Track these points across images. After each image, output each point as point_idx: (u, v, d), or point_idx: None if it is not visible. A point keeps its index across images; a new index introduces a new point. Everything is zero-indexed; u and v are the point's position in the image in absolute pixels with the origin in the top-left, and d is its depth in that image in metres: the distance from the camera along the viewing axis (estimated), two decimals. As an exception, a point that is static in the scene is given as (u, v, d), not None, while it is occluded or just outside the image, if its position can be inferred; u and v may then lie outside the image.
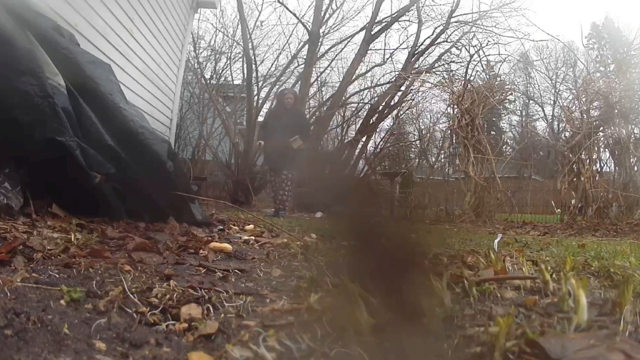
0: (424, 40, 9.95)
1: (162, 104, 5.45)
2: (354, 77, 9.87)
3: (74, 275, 1.01)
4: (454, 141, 7.32)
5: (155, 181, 2.14)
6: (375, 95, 10.20)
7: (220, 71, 11.01)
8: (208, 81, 10.45)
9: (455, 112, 6.87)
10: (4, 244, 1.14)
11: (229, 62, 10.98)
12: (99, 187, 1.88)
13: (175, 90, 5.97)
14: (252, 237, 2.12)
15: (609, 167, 6.47)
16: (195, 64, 10.38)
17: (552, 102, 20.19)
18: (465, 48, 9.73)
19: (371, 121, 9.57)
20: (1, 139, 1.73)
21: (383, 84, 10.22)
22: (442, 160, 11.76)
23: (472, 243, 2.30)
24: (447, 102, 7.96)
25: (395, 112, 10.30)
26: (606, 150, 6.28)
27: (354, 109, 10.46)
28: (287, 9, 10.17)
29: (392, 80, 9.85)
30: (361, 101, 10.39)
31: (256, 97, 9.43)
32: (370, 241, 0.67)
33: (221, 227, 2.61)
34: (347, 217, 0.69)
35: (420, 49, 9.89)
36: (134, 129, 2.11)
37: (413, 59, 9.83)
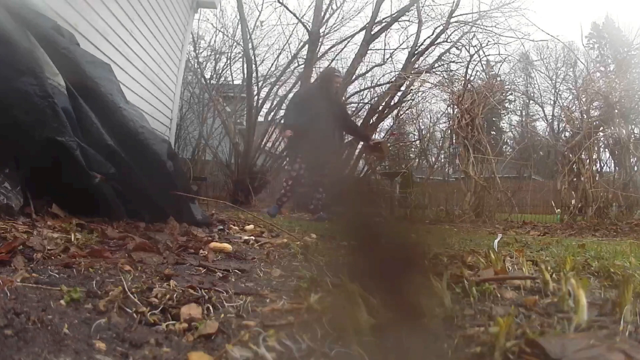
0: (424, 40, 9.94)
1: (162, 104, 5.45)
2: (354, 77, 9.86)
3: (74, 275, 1.01)
4: (454, 141, 7.32)
5: (155, 181, 2.14)
6: (375, 95, 10.20)
7: (220, 71, 11.02)
8: (208, 81, 10.45)
9: (455, 112, 6.87)
10: (4, 244, 1.14)
11: (229, 62, 10.98)
12: (99, 187, 1.88)
13: (175, 90, 5.97)
14: (252, 237, 2.12)
15: (609, 167, 6.48)
16: (195, 64, 10.38)
17: (552, 102, 20.19)
18: (465, 48, 9.73)
19: (371, 121, 9.57)
20: (1, 139, 1.73)
21: (383, 84, 10.21)
22: (442, 160, 11.77)
23: (472, 243, 2.30)
24: (447, 102, 7.98)
25: (395, 112, 10.30)
26: (606, 150, 6.29)
27: (354, 109, 10.45)
28: (287, 9, 10.16)
29: (392, 80, 9.85)
30: (361, 101, 10.39)
31: (256, 97, 9.42)
32: (370, 241, 0.67)
33: (221, 227, 2.61)
34: (347, 217, 0.69)
35: (420, 49, 9.88)
36: (134, 129, 2.11)
37: (413, 59, 9.82)
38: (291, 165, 4.77)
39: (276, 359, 0.64)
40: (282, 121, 5.27)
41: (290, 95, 8.90)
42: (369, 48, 9.73)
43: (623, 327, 0.76)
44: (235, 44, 10.67)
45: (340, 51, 10.42)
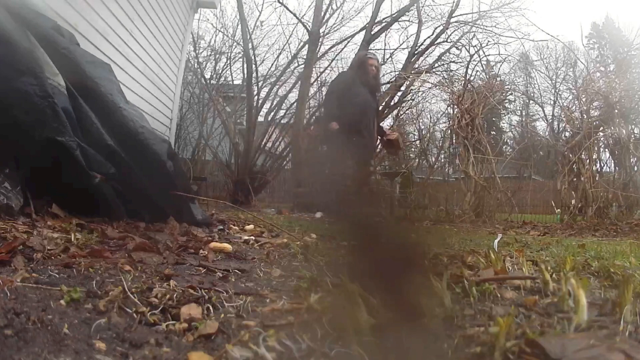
0: (424, 40, 9.95)
1: (162, 104, 5.45)
2: (354, 77, 9.84)
3: (74, 275, 1.01)
4: (454, 141, 7.32)
5: (155, 181, 2.14)
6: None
7: (220, 71, 11.01)
8: (208, 81, 10.45)
9: (455, 112, 6.87)
10: (4, 244, 1.14)
11: (229, 62, 10.98)
12: (99, 187, 1.88)
13: (175, 90, 5.97)
14: (252, 237, 2.12)
15: (609, 167, 6.49)
16: (195, 64, 10.38)
17: (552, 102, 20.18)
18: (465, 48, 9.74)
19: (371, 121, 9.55)
20: (1, 139, 1.73)
21: (383, 84, 10.20)
22: (442, 160, 11.75)
23: (472, 243, 2.30)
24: (447, 102, 7.98)
25: (395, 112, 10.30)
26: (606, 150, 6.29)
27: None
28: (287, 9, 10.16)
29: (392, 80, 9.85)
30: (361, 101, 10.36)
31: (256, 97, 9.42)
32: (370, 241, 0.67)
33: (221, 227, 2.61)
34: (347, 217, 0.70)
35: (420, 49, 9.89)
36: (134, 129, 2.11)
37: (413, 59, 9.82)
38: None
39: (276, 359, 0.64)
40: (324, 112, 4.56)
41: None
42: (369, 48, 9.73)
43: (623, 327, 0.76)
44: (235, 44, 10.67)
45: (340, 51, 10.42)
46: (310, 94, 10.04)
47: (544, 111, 20.46)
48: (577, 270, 1.35)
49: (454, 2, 9.68)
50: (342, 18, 10.35)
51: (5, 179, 1.69)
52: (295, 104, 9.44)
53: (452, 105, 7.15)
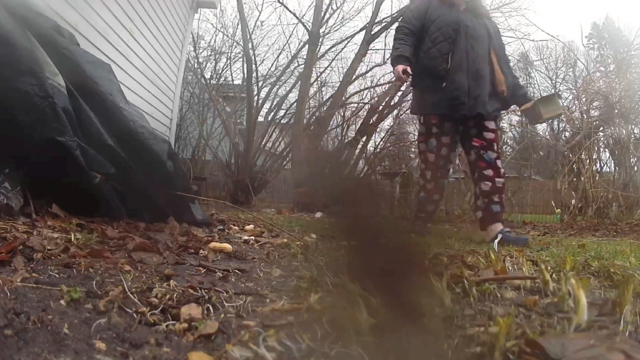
0: (424, 40, 9.92)
1: (162, 104, 5.44)
2: (354, 77, 9.86)
3: (74, 275, 1.01)
4: (454, 141, 7.29)
5: (155, 181, 2.14)
6: (375, 95, 10.19)
7: (220, 71, 11.01)
8: (208, 81, 10.45)
9: (455, 112, 6.85)
10: (4, 244, 1.14)
11: (229, 62, 10.98)
12: (99, 187, 1.88)
13: (175, 90, 5.96)
14: (252, 237, 2.12)
15: (609, 167, 6.49)
16: (195, 64, 10.37)
17: (552, 102, 20.11)
18: (466, 48, 9.71)
19: (371, 121, 9.56)
20: (1, 139, 1.73)
21: (383, 84, 10.20)
22: (442, 160, 11.73)
23: (472, 243, 2.30)
24: (447, 102, 7.93)
25: (395, 112, 10.29)
26: (606, 150, 6.29)
27: (354, 109, 10.45)
28: (287, 9, 10.17)
29: (392, 80, 9.84)
30: (361, 101, 10.38)
31: (256, 97, 9.43)
32: (370, 241, 0.67)
33: (221, 227, 2.61)
34: (347, 217, 0.69)
35: (420, 49, 9.86)
36: (134, 129, 2.11)
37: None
38: (425, 144, 2.74)
39: (276, 359, 0.64)
40: (391, 55, 2.88)
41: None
42: (369, 48, 9.73)
43: (623, 327, 0.76)
44: (235, 44, 10.67)
45: (341, 51, 10.42)
46: (310, 94, 10.05)
47: (544, 111, 20.39)
48: (577, 270, 1.35)
49: (454, 2, 9.67)
50: (342, 18, 10.35)
51: (5, 179, 1.69)
52: (295, 104, 9.44)
53: (452, 105, 7.14)
